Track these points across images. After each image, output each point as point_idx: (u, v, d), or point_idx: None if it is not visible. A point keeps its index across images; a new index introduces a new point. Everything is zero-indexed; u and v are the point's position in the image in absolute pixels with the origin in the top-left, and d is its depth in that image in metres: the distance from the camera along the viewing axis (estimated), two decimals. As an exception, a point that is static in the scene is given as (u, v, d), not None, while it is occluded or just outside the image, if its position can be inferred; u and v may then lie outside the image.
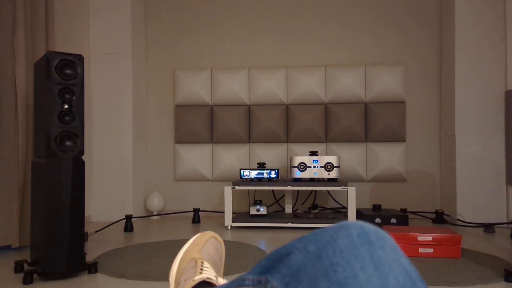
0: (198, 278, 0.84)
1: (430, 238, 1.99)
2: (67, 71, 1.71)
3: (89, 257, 1.99)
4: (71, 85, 1.72)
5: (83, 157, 1.76)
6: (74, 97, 1.72)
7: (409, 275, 0.47)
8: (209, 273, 0.86)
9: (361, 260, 0.47)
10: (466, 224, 2.86)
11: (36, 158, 1.82)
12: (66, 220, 1.68)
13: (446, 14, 3.15)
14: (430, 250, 1.99)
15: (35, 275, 1.67)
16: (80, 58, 1.75)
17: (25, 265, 1.80)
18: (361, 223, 0.52)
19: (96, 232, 2.68)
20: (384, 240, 0.50)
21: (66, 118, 1.70)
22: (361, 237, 0.49)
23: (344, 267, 0.46)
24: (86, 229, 2.61)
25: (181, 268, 0.92)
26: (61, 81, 1.69)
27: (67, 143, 1.71)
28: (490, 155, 2.89)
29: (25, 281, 1.62)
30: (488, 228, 2.67)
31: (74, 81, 1.72)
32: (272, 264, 0.55)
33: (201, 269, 0.87)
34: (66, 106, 1.70)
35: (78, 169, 1.73)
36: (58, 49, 2.69)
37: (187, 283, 0.84)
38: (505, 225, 2.79)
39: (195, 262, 0.91)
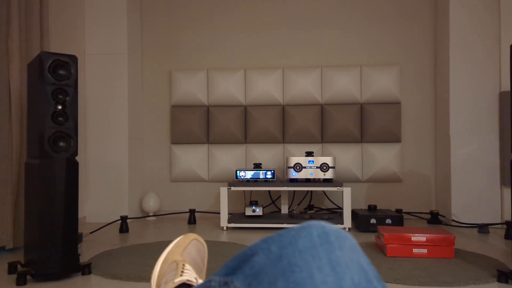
0: (178, 280, 0.85)
1: (424, 239, 2.00)
2: (61, 72, 1.71)
3: (84, 258, 1.99)
4: (65, 86, 1.71)
5: (78, 158, 1.76)
6: (67, 98, 1.72)
7: (366, 274, 0.48)
8: (189, 275, 0.86)
9: (319, 260, 0.47)
10: (461, 225, 2.87)
11: (30, 158, 1.82)
12: (59, 221, 1.68)
13: (441, 16, 3.16)
14: (424, 250, 1.99)
15: (28, 276, 1.67)
16: (73, 58, 1.75)
17: (19, 266, 1.79)
18: (323, 223, 0.52)
19: (91, 233, 2.67)
20: (343, 240, 0.50)
21: (60, 118, 1.70)
22: (321, 237, 0.50)
23: (301, 267, 0.47)
24: (81, 230, 2.60)
25: (162, 270, 0.93)
26: (54, 82, 1.69)
27: (61, 143, 1.71)
28: (484, 156, 2.90)
29: (18, 283, 1.62)
30: (482, 228, 2.68)
31: (67, 81, 1.72)
32: (237, 265, 0.55)
33: (182, 272, 0.87)
34: (59, 107, 1.70)
35: (72, 169, 1.73)
36: (53, 50, 2.69)
37: (167, 286, 0.84)
38: (499, 225, 2.80)
39: (177, 264, 0.91)
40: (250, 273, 0.52)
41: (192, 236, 1.07)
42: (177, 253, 0.98)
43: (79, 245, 2.11)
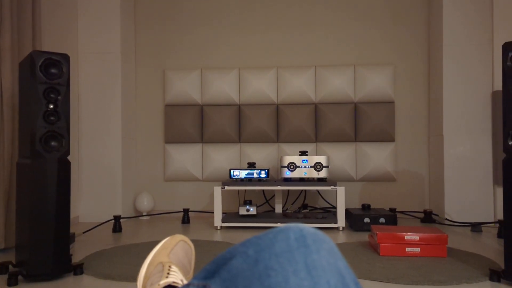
0: (163, 282, 0.84)
1: (417, 238, 2.00)
2: (52, 71, 1.69)
3: (76, 258, 1.98)
4: (56, 85, 1.70)
5: (71, 157, 1.74)
6: (59, 97, 1.70)
7: (343, 278, 0.47)
8: (175, 277, 0.86)
9: (295, 264, 0.47)
10: (454, 224, 2.88)
11: (21, 158, 1.80)
12: (51, 221, 1.66)
13: (434, 16, 3.17)
14: (417, 249, 2.00)
15: (19, 277, 1.66)
16: (65, 57, 1.74)
17: (10, 266, 1.78)
18: (301, 226, 0.52)
19: (84, 232, 2.66)
20: (321, 243, 0.50)
21: (51, 118, 1.68)
22: (298, 241, 0.49)
23: (277, 271, 0.47)
24: (74, 230, 2.59)
25: (148, 272, 0.92)
26: (46, 81, 1.67)
27: (52, 143, 1.69)
28: (477, 155, 2.92)
29: (10, 283, 1.60)
30: (475, 227, 2.70)
31: (59, 80, 1.70)
32: (216, 268, 0.55)
33: (168, 273, 0.87)
34: (51, 106, 1.68)
35: (64, 169, 1.72)
36: (46, 48, 2.66)
37: None
38: (492, 224, 2.82)
39: (163, 266, 0.91)
40: (227, 277, 0.51)
41: (179, 237, 1.06)
42: (164, 255, 0.97)
43: (71, 245, 2.10)
